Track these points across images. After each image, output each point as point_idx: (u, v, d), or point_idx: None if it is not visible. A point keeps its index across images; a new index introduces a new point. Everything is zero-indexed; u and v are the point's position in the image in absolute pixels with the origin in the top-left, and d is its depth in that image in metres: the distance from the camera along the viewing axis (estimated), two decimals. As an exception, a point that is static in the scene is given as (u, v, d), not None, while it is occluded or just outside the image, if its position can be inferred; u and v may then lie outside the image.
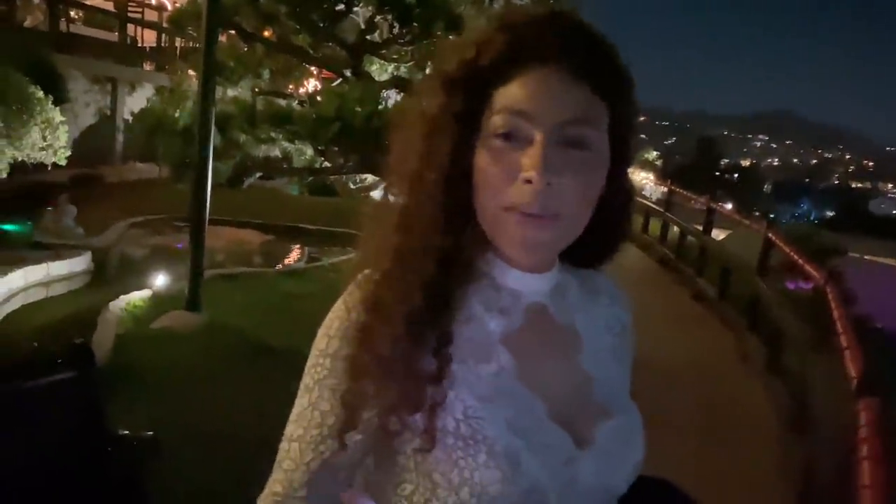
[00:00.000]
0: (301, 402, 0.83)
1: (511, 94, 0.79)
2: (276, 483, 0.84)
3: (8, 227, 8.68)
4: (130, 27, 18.30)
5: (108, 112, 15.21)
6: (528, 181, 0.77)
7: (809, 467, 3.93)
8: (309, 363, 0.84)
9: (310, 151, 9.02)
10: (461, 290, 0.84)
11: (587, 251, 0.92)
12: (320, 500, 0.83)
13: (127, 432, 3.16)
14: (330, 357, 0.82)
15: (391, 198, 0.87)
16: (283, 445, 0.84)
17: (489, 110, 0.80)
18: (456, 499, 0.76)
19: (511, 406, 0.81)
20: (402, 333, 0.78)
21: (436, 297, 0.80)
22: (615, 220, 0.91)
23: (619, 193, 0.88)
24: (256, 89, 9.69)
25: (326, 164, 9.45)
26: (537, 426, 0.81)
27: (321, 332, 0.84)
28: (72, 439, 2.76)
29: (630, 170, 0.91)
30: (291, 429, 0.84)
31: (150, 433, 3.39)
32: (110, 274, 8.56)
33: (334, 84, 10.32)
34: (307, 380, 0.83)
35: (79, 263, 8.15)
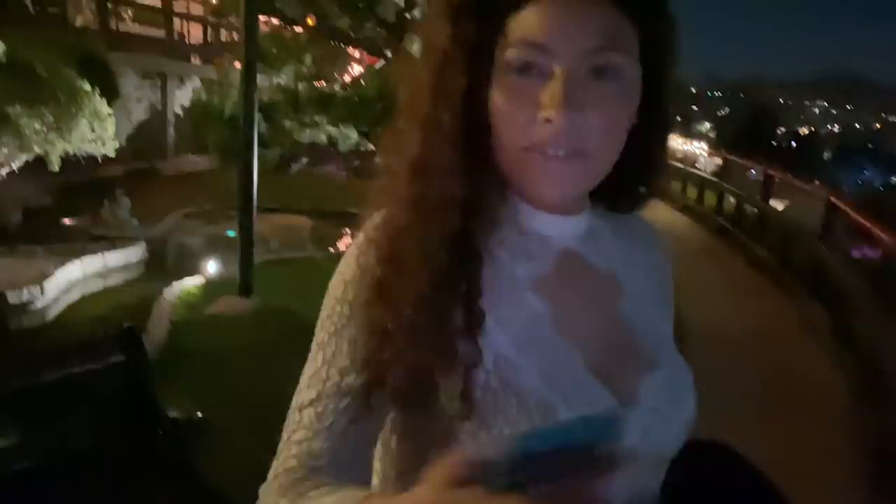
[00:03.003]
0: (314, 362, 0.75)
1: (526, 22, 0.69)
2: (288, 459, 0.72)
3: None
4: (178, 24, 18.54)
5: (160, 106, 15.48)
6: (548, 120, 0.68)
7: (884, 439, 3.73)
8: (322, 315, 0.76)
9: (354, 135, 9.02)
10: (486, 237, 0.75)
11: (620, 192, 0.83)
12: (342, 469, 0.72)
13: (176, 414, 3.20)
14: (348, 304, 0.74)
15: (401, 145, 0.77)
16: (293, 416, 0.74)
17: (503, 40, 0.70)
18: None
19: (545, 357, 0.73)
20: (428, 291, 0.70)
21: (462, 251, 0.72)
22: (649, 154, 0.80)
23: (653, 123, 0.77)
24: (300, 76, 9.72)
25: (371, 146, 9.43)
26: (574, 380, 0.73)
27: (335, 280, 0.77)
28: (122, 421, 2.78)
29: (667, 95, 0.78)
30: (304, 396, 0.75)
31: (200, 414, 3.44)
32: (165, 263, 8.73)
33: (376, 66, 10.28)
34: (321, 335, 0.76)
35: (134, 254, 8.33)
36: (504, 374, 0.71)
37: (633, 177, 0.81)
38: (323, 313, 0.77)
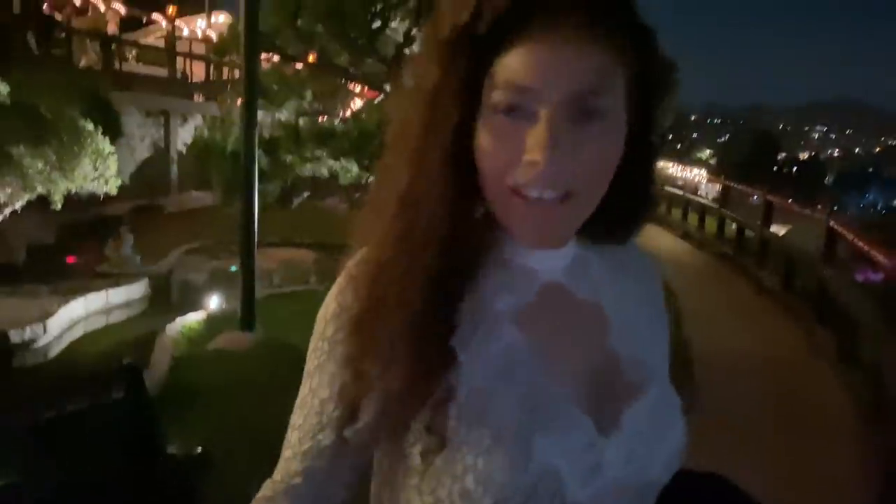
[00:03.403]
0: (303, 388, 0.80)
1: (512, 66, 0.68)
2: (276, 472, 0.81)
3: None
4: (180, 63, 18.79)
5: (163, 144, 15.64)
6: (533, 162, 0.68)
7: (891, 461, 3.70)
8: (310, 347, 0.80)
9: (355, 168, 9.08)
10: (468, 271, 0.76)
11: (607, 226, 0.81)
12: (317, 490, 0.78)
13: (175, 451, 3.17)
14: (327, 341, 0.77)
15: (389, 180, 0.77)
16: (287, 433, 0.81)
17: (490, 81, 0.70)
18: (460, 487, 0.69)
19: (522, 387, 0.73)
20: (405, 326, 0.71)
21: (442, 286, 0.73)
22: (635, 188, 0.79)
23: (639, 159, 0.76)
24: (301, 112, 9.82)
25: (372, 179, 9.50)
26: (553, 409, 0.73)
27: (319, 315, 0.80)
28: (122, 456, 2.77)
29: (655, 130, 0.77)
30: (294, 416, 0.81)
31: (200, 450, 3.42)
32: (168, 299, 8.75)
33: (376, 101, 10.38)
34: (308, 365, 0.79)
35: (137, 290, 8.37)
36: (478, 405, 0.71)
37: (618, 211, 0.79)
38: (310, 346, 0.80)
